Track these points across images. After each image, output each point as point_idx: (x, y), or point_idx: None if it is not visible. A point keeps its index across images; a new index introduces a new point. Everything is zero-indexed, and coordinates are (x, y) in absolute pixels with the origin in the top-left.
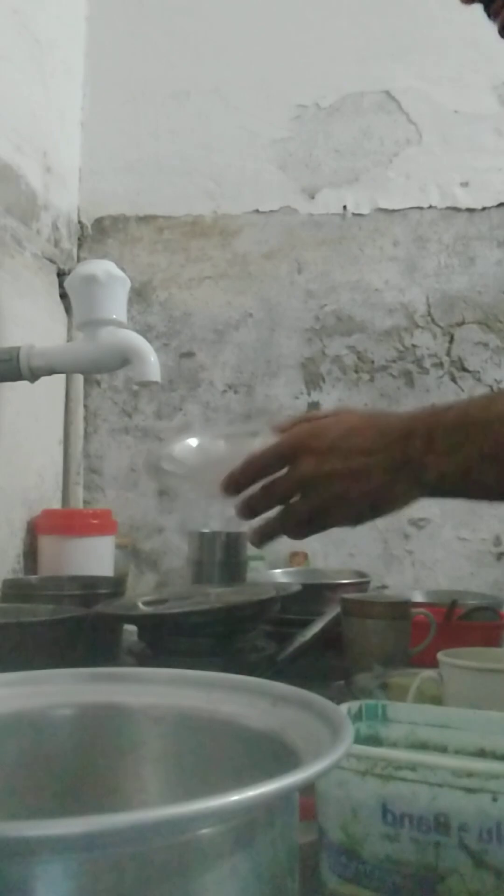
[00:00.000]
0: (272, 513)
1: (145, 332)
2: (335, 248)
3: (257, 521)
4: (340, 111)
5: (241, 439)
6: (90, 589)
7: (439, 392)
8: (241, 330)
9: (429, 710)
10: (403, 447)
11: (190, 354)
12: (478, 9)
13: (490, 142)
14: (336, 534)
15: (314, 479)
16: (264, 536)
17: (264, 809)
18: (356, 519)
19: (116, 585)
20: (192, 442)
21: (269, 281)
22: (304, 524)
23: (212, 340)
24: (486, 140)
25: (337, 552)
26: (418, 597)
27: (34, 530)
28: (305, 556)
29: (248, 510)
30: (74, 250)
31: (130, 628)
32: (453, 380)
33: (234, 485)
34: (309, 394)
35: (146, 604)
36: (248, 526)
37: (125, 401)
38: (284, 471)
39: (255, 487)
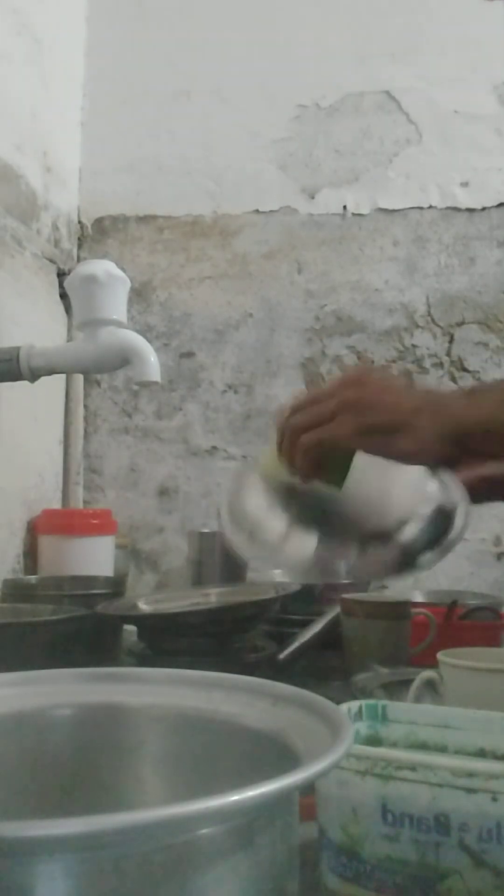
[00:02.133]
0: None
1: (145, 332)
2: (335, 248)
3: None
4: (340, 111)
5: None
6: (90, 589)
7: None
8: (241, 330)
9: (429, 710)
10: (441, 392)
11: (190, 354)
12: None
13: (490, 142)
14: None
15: (352, 380)
16: (308, 451)
17: (264, 809)
18: (368, 429)
19: (116, 585)
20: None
21: (269, 281)
22: (324, 419)
23: (212, 340)
24: (486, 140)
25: None
26: (418, 597)
27: (34, 530)
28: None
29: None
30: (74, 250)
31: (130, 628)
32: (453, 380)
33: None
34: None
35: (146, 604)
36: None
37: (125, 401)
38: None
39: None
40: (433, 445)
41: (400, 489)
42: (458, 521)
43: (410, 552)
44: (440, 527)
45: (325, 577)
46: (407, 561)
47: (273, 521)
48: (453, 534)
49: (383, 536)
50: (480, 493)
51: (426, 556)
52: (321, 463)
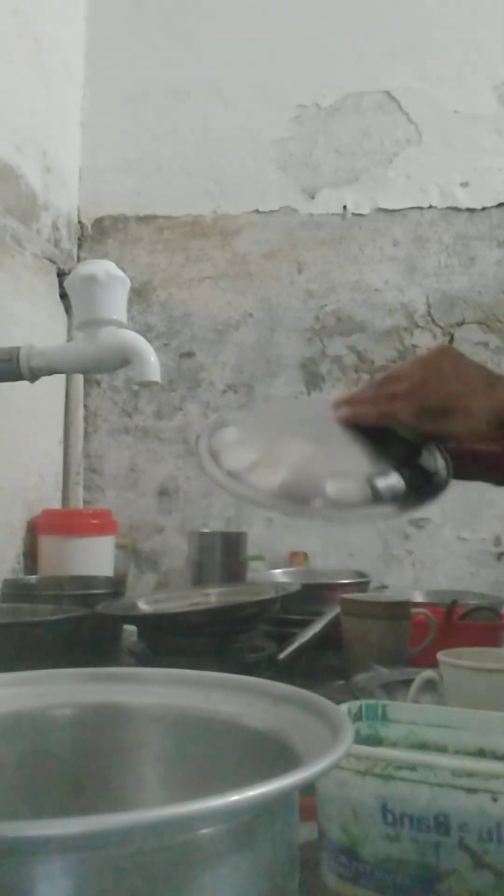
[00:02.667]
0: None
1: (145, 332)
2: (335, 248)
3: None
4: (340, 111)
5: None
6: (90, 589)
7: None
8: (241, 330)
9: (429, 710)
10: (497, 377)
11: (190, 354)
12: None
13: (490, 142)
14: (336, 534)
15: (424, 363)
16: (350, 401)
17: (264, 809)
18: (424, 411)
19: (116, 585)
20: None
21: (269, 281)
22: (391, 394)
23: (212, 340)
24: (486, 140)
25: (337, 552)
26: (418, 597)
27: (34, 530)
28: (305, 556)
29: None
30: (74, 250)
31: (130, 628)
32: None
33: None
34: (309, 394)
35: (146, 604)
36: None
37: (125, 401)
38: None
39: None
40: (484, 429)
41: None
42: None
43: (386, 494)
44: (419, 483)
45: (292, 509)
46: (378, 501)
47: (244, 451)
48: (425, 498)
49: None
50: (466, 468)
51: (385, 509)
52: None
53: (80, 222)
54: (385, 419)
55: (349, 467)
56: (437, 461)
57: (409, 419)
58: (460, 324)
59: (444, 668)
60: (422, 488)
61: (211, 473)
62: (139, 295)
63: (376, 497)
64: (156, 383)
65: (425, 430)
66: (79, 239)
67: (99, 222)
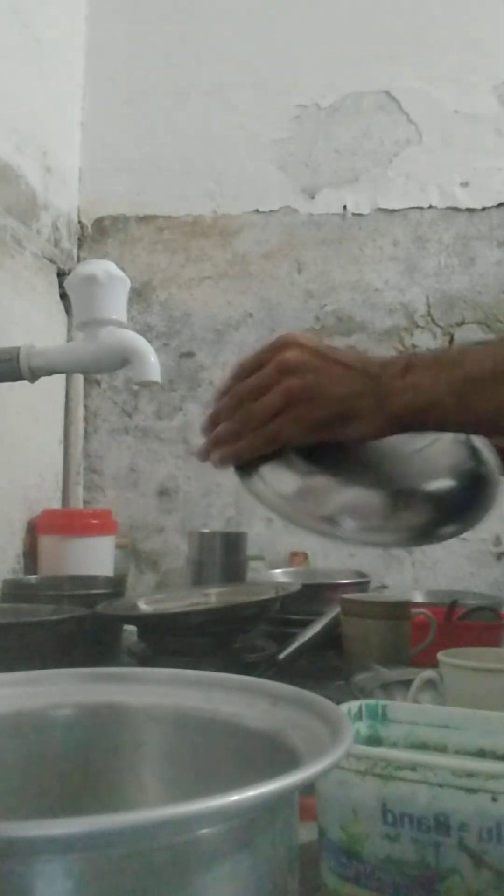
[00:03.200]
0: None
1: (145, 332)
2: (335, 248)
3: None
4: (340, 111)
5: None
6: (90, 589)
7: None
8: (241, 330)
9: (429, 710)
10: (378, 370)
11: (190, 354)
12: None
13: (490, 142)
14: None
15: (294, 364)
16: (217, 442)
17: (264, 809)
18: (317, 424)
19: (116, 585)
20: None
21: (269, 281)
22: (267, 417)
23: (212, 340)
24: (486, 140)
25: (337, 552)
26: (418, 597)
27: (34, 530)
28: (305, 556)
29: (214, 420)
30: (74, 250)
31: (130, 628)
32: None
33: (217, 399)
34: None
35: (146, 604)
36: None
37: (125, 401)
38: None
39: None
40: (378, 429)
41: (432, 452)
42: (491, 491)
43: (439, 515)
44: (471, 494)
45: (342, 531)
46: (432, 525)
47: (287, 477)
48: (486, 503)
49: (413, 495)
50: None
51: (451, 527)
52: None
53: (80, 222)
54: (273, 445)
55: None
56: (482, 456)
57: (302, 438)
58: (460, 324)
59: (444, 668)
60: (471, 491)
61: (261, 494)
62: (139, 295)
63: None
64: (156, 383)
65: (324, 440)
66: (79, 239)
67: (99, 222)
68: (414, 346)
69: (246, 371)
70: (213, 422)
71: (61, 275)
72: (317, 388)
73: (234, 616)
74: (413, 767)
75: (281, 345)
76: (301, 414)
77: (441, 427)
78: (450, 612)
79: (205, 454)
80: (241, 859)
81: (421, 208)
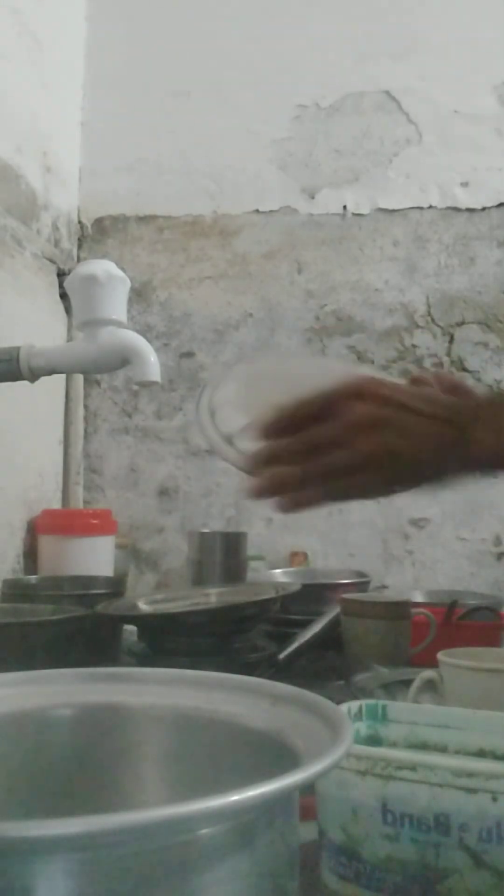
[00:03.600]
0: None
1: (145, 332)
2: (335, 248)
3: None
4: (340, 111)
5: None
6: (90, 589)
7: None
8: (241, 330)
9: (429, 710)
10: (463, 419)
11: (190, 354)
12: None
13: (490, 142)
14: (336, 534)
15: (370, 421)
16: (281, 486)
17: (264, 809)
18: (396, 485)
19: (116, 585)
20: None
21: (269, 281)
22: (342, 475)
23: (212, 340)
24: (486, 140)
25: (337, 552)
26: (418, 597)
27: (34, 530)
28: (305, 556)
29: (271, 459)
30: (74, 250)
31: (130, 628)
32: None
33: (265, 433)
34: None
35: (146, 604)
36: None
37: (125, 401)
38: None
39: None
40: (464, 473)
41: None
42: None
43: None
44: None
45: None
46: None
47: (238, 413)
48: None
49: None
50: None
51: None
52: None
53: (80, 222)
54: (341, 500)
55: None
56: None
57: (376, 496)
58: (460, 324)
59: (444, 668)
60: None
61: (208, 436)
62: (139, 295)
63: None
64: (156, 383)
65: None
66: (79, 239)
67: (99, 222)
68: (414, 346)
69: (307, 409)
70: (269, 459)
71: (61, 275)
72: (398, 450)
73: (234, 616)
74: (413, 767)
75: (352, 393)
76: (382, 477)
77: None
78: (450, 612)
79: (260, 494)
80: (241, 859)
81: (421, 208)
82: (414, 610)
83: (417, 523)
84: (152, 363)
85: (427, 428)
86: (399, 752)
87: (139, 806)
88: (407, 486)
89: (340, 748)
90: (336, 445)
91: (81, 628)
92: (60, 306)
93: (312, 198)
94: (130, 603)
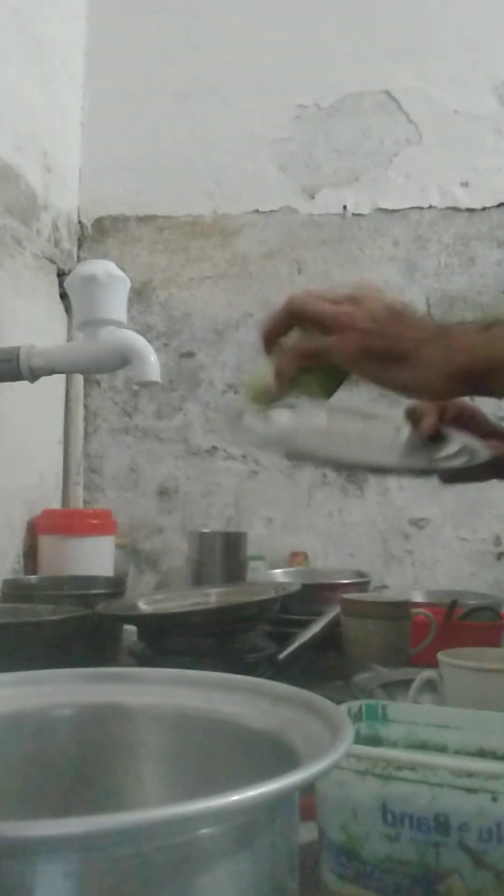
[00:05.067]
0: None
1: (145, 332)
2: (335, 248)
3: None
4: (340, 111)
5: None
6: (90, 589)
7: None
8: (241, 330)
9: (429, 710)
10: (453, 324)
11: (190, 354)
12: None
13: (490, 142)
14: (336, 534)
15: (358, 297)
16: (268, 336)
17: (264, 809)
18: (365, 354)
19: (116, 585)
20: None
21: (269, 281)
22: (320, 330)
23: (212, 340)
24: (486, 140)
25: (337, 552)
26: (418, 597)
27: (34, 530)
28: (305, 556)
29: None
30: (74, 250)
31: (130, 628)
32: None
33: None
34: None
35: (146, 604)
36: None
37: (125, 401)
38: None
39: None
40: (435, 381)
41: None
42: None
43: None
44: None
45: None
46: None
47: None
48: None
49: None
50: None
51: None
52: (308, 372)
53: (80, 222)
54: (314, 358)
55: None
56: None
57: (347, 361)
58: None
59: (444, 668)
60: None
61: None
62: (139, 295)
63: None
64: (156, 383)
65: (365, 375)
66: (79, 239)
67: (99, 222)
68: None
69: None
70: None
71: (61, 275)
72: (382, 320)
73: (234, 616)
74: (413, 767)
75: (353, 298)
76: (358, 339)
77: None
78: (450, 612)
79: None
80: (241, 859)
81: (421, 208)
82: (414, 610)
83: (417, 523)
84: (152, 363)
85: (415, 320)
86: (399, 752)
87: (139, 806)
88: (379, 368)
89: (340, 748)
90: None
91: (81, 628)
92: (60, 306)
93: (312, 198)
94: (130, 603)
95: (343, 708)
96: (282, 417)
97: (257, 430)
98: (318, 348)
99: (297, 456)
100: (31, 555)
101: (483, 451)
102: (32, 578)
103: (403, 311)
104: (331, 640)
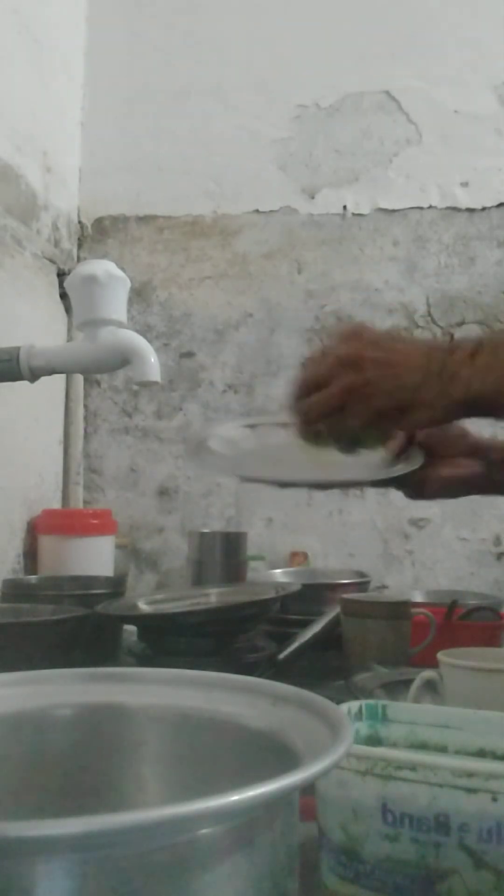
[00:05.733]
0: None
1: (145, 332)
2: (335, 248)
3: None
4: (340, 111)
5: (275, 430)
6: (90, 589)
7: None
8: (241, 330)
9: (429, 710)
10: (443, 356)
11: (190, 354)
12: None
13: (490, 142)
14: (336, 534)
15: (352, 358)
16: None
17: (264, 809)
18: (376, 416)
19: (116, 585)
20: (232, 429)
21: (269, 281)
22: (333, 409)
23: (212, 340)
24: (486, 140)
25: (337, 552)
26: (418, 597)
27: (34, 530)
28: (305, 556)
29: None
30: (74, 250)
31: (130, 628)
32: None
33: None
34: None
35: (146, 604)
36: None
37: (125, 401)
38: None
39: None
40: (437, 415)
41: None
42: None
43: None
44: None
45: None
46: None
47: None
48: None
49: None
50: (457, 489)
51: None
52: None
53: (80, 222)
54: (337, 437)
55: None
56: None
57: (364, 427)
58: (460, 324)
59: (444, 668)
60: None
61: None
62: (139, 295)
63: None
64: (156, 383)
65: (381, 428)
66: (79, 239)
67: (99, 222)
68: None
69: (315, 363)
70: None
71: (61, 275)
72: (375, 384)
73: (234, 616)
74: (413, 767)
75: (342, 337)
76: (359, 410)
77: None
78: (450, 612)
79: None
80: (241, 859)
81: (421, 208)
82: (414, 610)
83: (417, 523)
84: (152, 363)
85: (406, 362)
86: (399, 752)
87: (139, 806)
88: (399, 420)
89: (340, 748)
90: (324, 386)
91: (81, 628)
92: (60, 306)
93: (312, 198)
94: (130, 603)
95: (343, 708)
96: (243, 440)
97: (214, 457)
98: (339, 429)
99: (251, 481)
100: (31, 555)
101: (418, 456)
102: (32, 578)
103: (394, 350)
104: (331, 640)
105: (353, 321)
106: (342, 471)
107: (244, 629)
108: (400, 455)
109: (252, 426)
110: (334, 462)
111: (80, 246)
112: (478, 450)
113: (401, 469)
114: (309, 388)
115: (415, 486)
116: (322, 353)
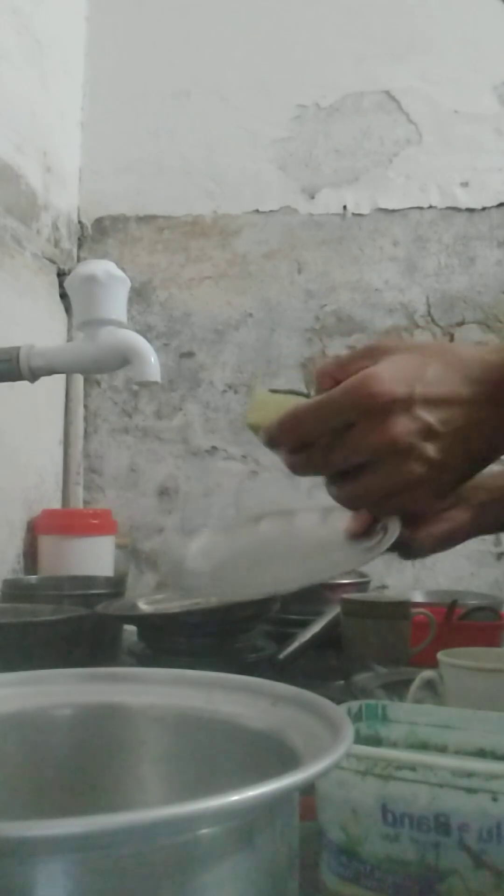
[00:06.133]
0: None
1: (145, 332)
2: (335, 248)
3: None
4: (340, 111)
5: (248, 528)
6: (90, 589)
7: None
8: (241, 330)
9: (429, 710)
10: (493, 391)
11: (190, 354)
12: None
13: (490, 142)
14: None
15: (405, 446)
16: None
17: (264, 809)
18: (451, 486)
19: (116, 585)
20: (206, 539)
21: (269, 281)
22: (383, 502)
23: (212, 340)
24: (486, 140)
25: None
26: (418, 597)
27: (34, 530)
28: None
29: (301, 470)
30: (74, 250)
31: (130, 628)
32: None
33: (277, 441)
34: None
35: (146, 604)
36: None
37: (125, 401)
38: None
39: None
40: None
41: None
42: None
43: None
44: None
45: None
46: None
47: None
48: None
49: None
50: (448, 543)
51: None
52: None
53: (80, 222)
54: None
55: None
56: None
57: (437, 502)
58: (460, 324)
59: (444, 668)
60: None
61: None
62: (139, 295)
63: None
64: (156, 383)
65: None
66: (79, 239)
67: (99, 222)
68: None
69: (322, 424)
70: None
71: (61, 275)
72: (432, 484)
73: (234, 616)
74: (413, 767)
75: (354, 410)
76: (407, 504)
77: None
78: (450, 612)
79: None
80: (241, 859)
81: (421, 208)
82: (414, 610)
83: None
84: (152, 363)
85: (470, 416)
86: (399, 752)
87: (139, 806)
88: (459, 484)
89: (340, 748)
90: (366, 468)
91: (81, 628)
92: (60, 306)
93: (312, 198)
94: (130, 603)
95: (343, 708)
96: (219, 548)
97: (194, 578)
98: (378, 507)
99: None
100: (31, 555)
101: (395, 522)
102: (32, 578)
103: (443, 432)
104: (331, 640)
105: (371, 372)
106: (325, 558)
107: (244, 629)
108: (375, 525)
109: (226, 530)
110: (313, 544)
111: (80, 246)
112: (460, 499)
113: (385, 543)
114: (345, 454)
115: (404, 550)
116: (349, 406)
